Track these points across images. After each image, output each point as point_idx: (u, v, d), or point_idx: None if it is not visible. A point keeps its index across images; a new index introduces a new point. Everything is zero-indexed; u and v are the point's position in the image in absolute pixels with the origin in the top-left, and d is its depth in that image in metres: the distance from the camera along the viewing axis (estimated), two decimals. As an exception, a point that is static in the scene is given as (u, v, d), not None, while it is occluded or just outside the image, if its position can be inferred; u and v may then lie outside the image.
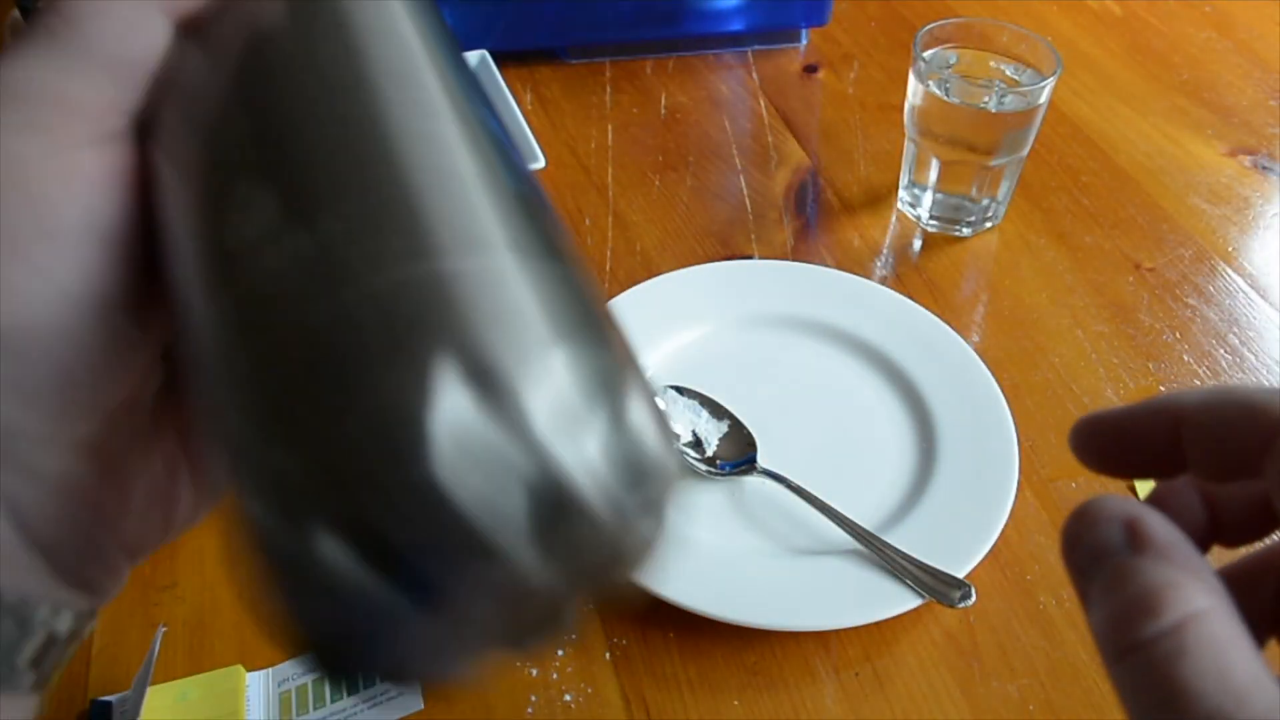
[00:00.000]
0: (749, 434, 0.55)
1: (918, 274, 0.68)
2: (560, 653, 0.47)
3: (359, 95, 0.18)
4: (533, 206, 0.19)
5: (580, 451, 0.14)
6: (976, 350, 0.59)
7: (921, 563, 0.48)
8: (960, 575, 0.48)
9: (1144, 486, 0.54)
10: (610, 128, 0.81)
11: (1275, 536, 0.23)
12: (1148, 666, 0.18)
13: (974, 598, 0.47)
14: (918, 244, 0.70)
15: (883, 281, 0.66)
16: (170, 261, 0.19)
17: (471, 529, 0.13)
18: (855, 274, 0.65)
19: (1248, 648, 0.18)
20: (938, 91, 0.65)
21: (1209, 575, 0.20)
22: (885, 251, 0.70)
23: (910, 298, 0.63)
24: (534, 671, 0.47)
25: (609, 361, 0.16)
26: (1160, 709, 0.18)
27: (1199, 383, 0.60)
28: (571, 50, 0.88)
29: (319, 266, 0.16)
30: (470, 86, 0.20)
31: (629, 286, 0.63)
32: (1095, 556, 0.20)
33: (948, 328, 0.60)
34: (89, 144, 0.20)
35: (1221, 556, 0.24)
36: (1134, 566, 0.19)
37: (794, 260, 0.68)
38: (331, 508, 0.13)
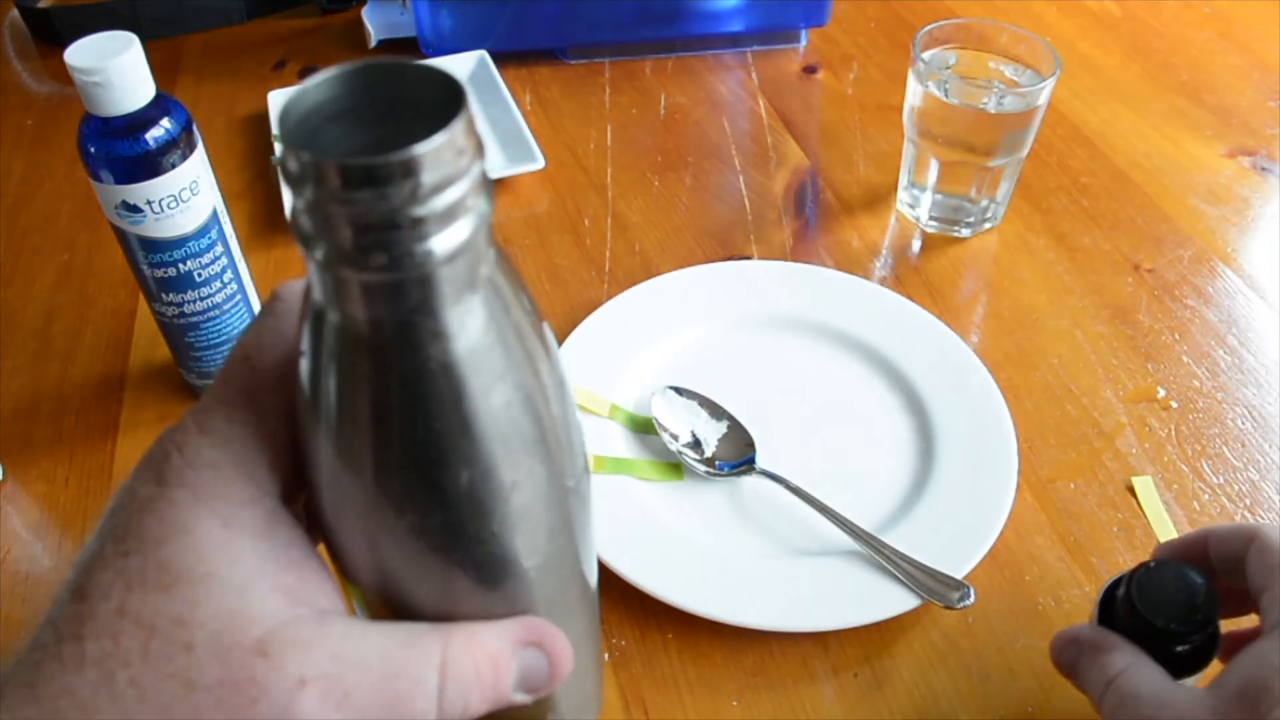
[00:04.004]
0: (748, 435, 0.55)
1: (917, 275, 0.68)
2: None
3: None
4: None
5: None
6: (975, 351, 0.59)
7: (920, 564, 0.48)
8: (959, 576, 0.48)
9: (1142, 483, 0.54)
10: (609, 128, 0.81)
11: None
12: (1107, 703, 0.37)
13: (973, 598, 0.47)
14: (917, 245, 0.70)
15: (882, 282, 0.66)
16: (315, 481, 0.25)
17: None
18: (854, 275, 0.65)
19: (1158, 677, 0.36)
20: (937, 92, 0.65)
21: (1126, 646, 0.38)
22: (884, 252, 0.70)
23: (909, 298, 0.63)
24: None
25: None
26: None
27: (1198, 384, 0.60)
28: (571, 51, 0.88)
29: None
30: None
31: (628, 287, 0.63)
32: (1070, 662, 0.39)
33: (947, 328, 0.60)
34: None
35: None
36: (1084, 663, 0.38)
37: (793, 261, 0.68)
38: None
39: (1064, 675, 0.40)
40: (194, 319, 0.54)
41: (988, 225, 0.71)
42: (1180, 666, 0.38)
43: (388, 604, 0.26)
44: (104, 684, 0.22)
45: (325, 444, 0.23)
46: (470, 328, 0.22)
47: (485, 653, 0.25)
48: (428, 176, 0.19)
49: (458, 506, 0.24)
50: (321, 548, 0.27)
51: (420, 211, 0.20)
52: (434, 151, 0.19)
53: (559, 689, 0.28)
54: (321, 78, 0.21)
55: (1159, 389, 0.60)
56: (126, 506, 0.24)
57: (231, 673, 0.22)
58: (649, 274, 0.65)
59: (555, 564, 0.27)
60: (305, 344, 0.23)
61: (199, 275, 0.53)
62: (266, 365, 0.25)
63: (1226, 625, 0.40)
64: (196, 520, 0.23)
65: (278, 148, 0.76)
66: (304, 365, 0.23)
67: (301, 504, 0.26)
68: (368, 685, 0.24)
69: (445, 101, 0.21)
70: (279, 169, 0.20)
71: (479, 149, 0.21)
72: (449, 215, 0.20)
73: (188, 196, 0.50)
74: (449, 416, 0.22)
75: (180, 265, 0.52)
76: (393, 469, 0.23)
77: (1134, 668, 0.37)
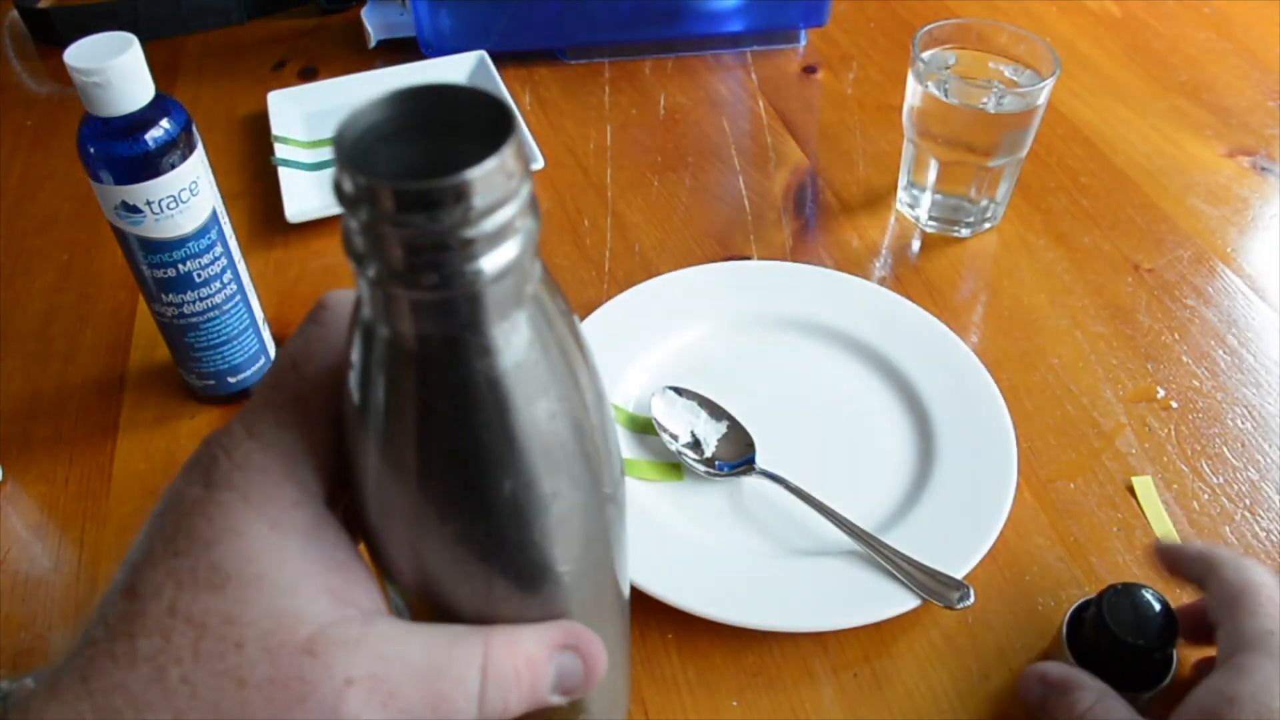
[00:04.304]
0: (748, 435, 0.55)
1: (916, 275, 0.68)
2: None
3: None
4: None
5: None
6: (975, 351, 0.59)
7: (920, 564, 0.48)
8: (959, 576, 0.48)
9: (1141, 483, 0.54)
10: (609, 128, 0.81)
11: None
12: None
13: (972, 599, 0.47)
14: (916, 245, 0.70)
15: (881, 282, 0.66)
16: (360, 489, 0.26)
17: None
18: (854, 275, 0.65)
19: (1125, 711, 0.39)
20: (936, 92, 0.65)
21: (1093, 682, 0.41)
22: (884, 252, 0.70)
23: (909, 298, 0.63)
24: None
25: None
26: None
27: (1197, 384, 0.60)
28: (570, 51, 0.88)
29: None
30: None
31: (628, 287, 0.63)
32: (1038, 700, 0.42)
33: (946, 328, 0.60)
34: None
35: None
36: (1053, 701, 0.41)
37: (793, 261, 0.68)
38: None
39: (1033, 712, 0.43)
40: (193, 319, 0.54)
41: (987, 225, 0.71)
42: (1143, 681, 0.43)
43: (427, 604, 0.27)
44: (156, 680, 0.23)
45: (372, 453, 0.24)
46: (516, 343, 0.23)
47: (524, 655, 0.26)
48: (479, 200, 0.20)
49: (500, 515, 0.24)
50: (361, 546, 0.27)
51: (471, 233, 0.20)
52: (485, 176, 0.20)
53: (591, 690, 0.29)
54: (375, 99, 0.22)
55: (1159, 389, 0.60)
56: (175, 508, 0.25)
57: (280, 671, 0.23)
58: (648, 274, 0.65)
59: (592, 569, 0.28)
60: (354, 355, 0.24)
61: (198, 276, 0.53)
62: (314, 372, 0.26)
63: (1198, 651, 0.44)
64: (246, 523, 0.24)
65: (278, 148, 0.76)
66: (353, 376, 0.24)
67: (343, 506, 0.27)
68: (411, 685, 0.24)
69: (494, 123, 0.21)
70: (335, 192, 0.21)
71: (528, 170, 0.21)
72: (498, 236, 0.21)
73: (187, 197, 0.50)
74: (494, 429, 0.23)
75: (180, 266, 0.52)
76: (437, 479, 0.24)
77: (1101, 704, 0.40)
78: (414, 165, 0.23)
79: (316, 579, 0.24)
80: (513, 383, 0.23)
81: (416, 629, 0.25)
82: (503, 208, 0.21)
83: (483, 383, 0.22)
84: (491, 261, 0.21)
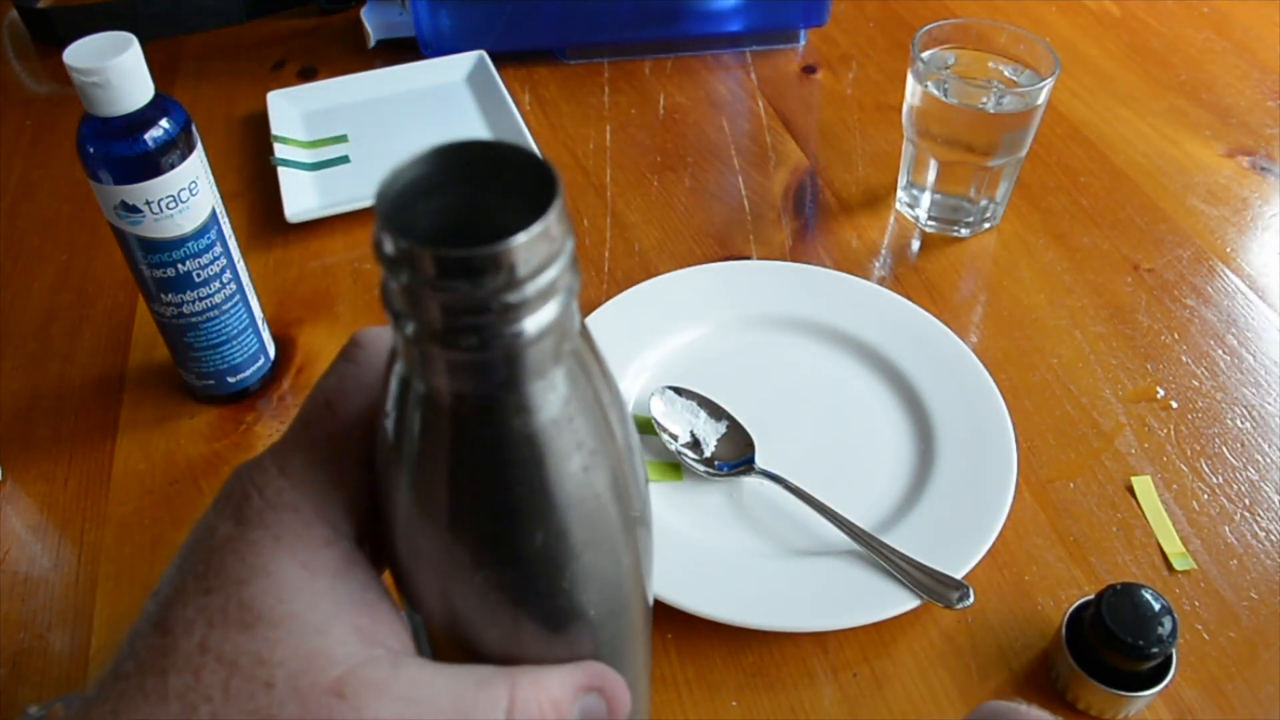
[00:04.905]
0: (747, 435, 0.55)
1: (916, 275, 0.68)
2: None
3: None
4: None
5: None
6: (975, 351, 0.59)
7: (919, 564, 0.48)
8: (958, 576, 0.48)
9: (1141, 483, 0.54)
10: (608, 128, 0.81)
11: None
12: None
13: (972, 599, 0.47)
14: (916, 245, 0.70)
15: (881, 282, 0.66)
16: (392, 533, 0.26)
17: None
18: (853, 275, 0.65)
19: None
20: (936, 92, 0.65)
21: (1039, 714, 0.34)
22: (883, 252, 0.70)
23: (908, 298, 0.63)
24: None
25: None
26: None
27: (1197, 384, 0.60)
28: (570, 51, 0.88)
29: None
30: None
31: (627, 287, 0.63)
32: None
33: (946, 328, 0.60)
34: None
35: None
36: None
37: (792, 261, 0.68)
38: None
39: None
40: (193, 319, 0.54)
41: (987, 225, 0.71)
42: (1143, 681, 0.43)
43: (451, 640, 0.27)
44: (186, 717, 0.23)
45: (403, 500, 0.24)
46: (553, 400, 0.22)
47: (549, 698, 0.26)
48: (523, 267, 0.20)
49: (531, 565, 0.25)
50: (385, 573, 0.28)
51: (514, 298, 0.20)
52: (529, 243, 0.19)
53: None
54: (417, 154, 0.22)
55: (1158, 389, 0.60)
56: (206, 543, 0.25)
57: (309, 712, 0.23)
58: (648, 274, 0.65)
59: (620, 607, 0.28)
60: (389, 404, 0.24)
61: (198, 276, 0.53)
62: (347, 413, 0.26)
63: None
64: (278, 562, 0.24)
65: (277, 148, 0.75)
66: (387, 424, 0.24)
67: (371, 540, 0.27)
68: None
69: (537, 179, 0.21)
70: (375, 250, 0.20)
71: (571, 230, 0.21)
72: (541, 298, 0.20)
73: (186, 197, 0.50)
74: (528, 483, 0.23)
75: (179, 266, 0.52)
76: (469, 530, 0.24)
77: None
78: (455, 221, 0.22)
79: (346, 619, 0.25)
80: (548, 439, 0.23)
81: (442, 670, 0.25)
82: (546, 271, 0.20)
83: (519, 440, 0.22)
84: (533, 323, 0.21)
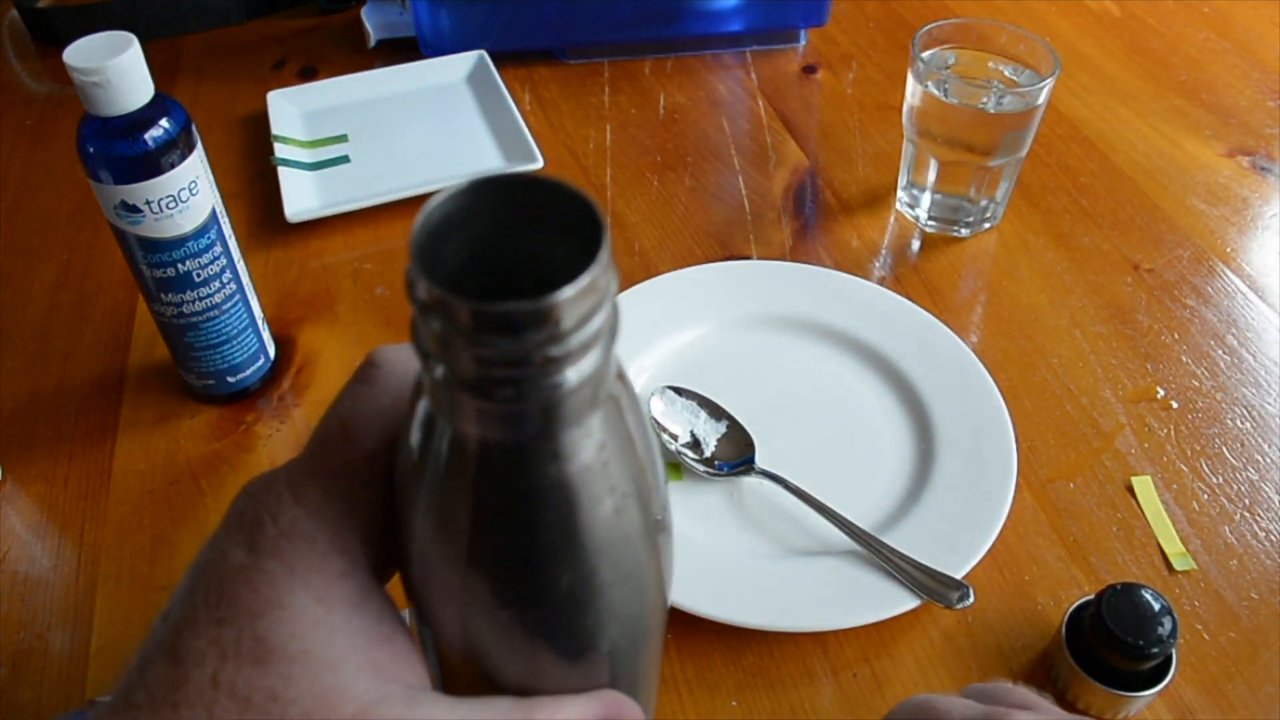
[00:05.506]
0: (747, 435, 0.55)
1: (916, 274, 0.68)
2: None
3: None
4: None
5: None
6: (975, 351, 0.59)
7: (919, 564, 0.48)
8: (958, 576, 0.48)
9: (1141, 483, 0.54)
10: (609, 128, 0.81)
11: None
12: None
13: (972, 599, 0.47)
14: (916, 244, 0.70)
15: (881, 282, 0.66)
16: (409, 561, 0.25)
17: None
18: (853, 274, 0.65)
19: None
20: (936, 92, 0.65)
21: (1023, 692, 0.33)
22: (883, 252, 0.70)
23: (908, 298, 0.63)
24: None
25: None
26: None
27: (1197, 384, 0.60)
28: (570, 51, 0.88)
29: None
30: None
31: (627, 287, 0.63)
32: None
33: (946, 328, 0.60)
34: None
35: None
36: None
37: (792, 261, 0.68)
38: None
39: None
40: (193, 319, 0.54)
41: (987, 225, 0.71)
42: (1143, 681, 0.43)
43: (466, 664, 0.26)
44: None
45: (425, 537, 0.24)
46: (587, 447, 0.21)
47: None
48: (567, 321, 0.18)
49: (556, 605, 0.24)
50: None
51: (556, 352, 0.19)
52: (575, 296, 0.18)
53: None
54: (454, 188, 0.20)
55: (1158, 389, 0.60)
56: (217, 570, 0.24)
57: None
58: (648, 274, 0.65)
59: (641, 637, 0.28)
60: (413, 440, 0.23)
61: (198, 275, 0.53)
62: (364, 440, 0.25)
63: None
64: (292, 595, 0.24)
65: (277, 148, 0.75)
66: (410, 461, 0.23)
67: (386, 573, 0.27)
68: None
69: (580, 219, 0.20)
70: (406, 288, 0.19)
71: (615, 275, 0.20)
72: (583, 350, 0.19)
73: (186, 197, 0.50)
74: (559, 530, 0.22)
75: (179, 265, 0.52)
76: (494, 572, 0.23)
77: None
78: (490, 256, 0.21)
79: (361, 654, 0.24)
80: (582, 485, 0.22)
81: (459, 705, 0.25)
82: (591, 322, 0.19)
83: (552, 488, 0.21)
84: (575, 374, 0.19)
